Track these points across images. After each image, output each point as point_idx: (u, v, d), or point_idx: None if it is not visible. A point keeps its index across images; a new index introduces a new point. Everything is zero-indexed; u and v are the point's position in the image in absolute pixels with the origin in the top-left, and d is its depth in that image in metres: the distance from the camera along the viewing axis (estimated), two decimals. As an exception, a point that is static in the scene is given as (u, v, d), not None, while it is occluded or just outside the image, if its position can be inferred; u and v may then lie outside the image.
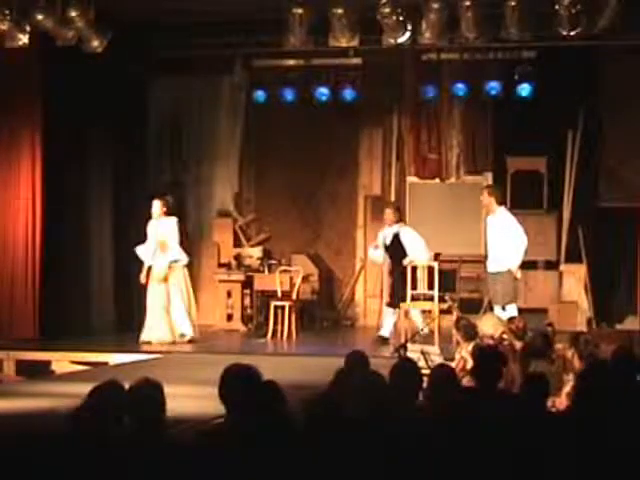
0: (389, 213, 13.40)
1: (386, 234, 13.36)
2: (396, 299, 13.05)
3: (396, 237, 13.19)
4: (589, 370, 6.12)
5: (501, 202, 12.29)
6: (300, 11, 11.91)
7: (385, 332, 13.19)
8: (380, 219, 14.23)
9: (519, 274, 12.01)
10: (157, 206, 13.20)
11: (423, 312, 13.11)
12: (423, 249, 13.08)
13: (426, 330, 12.49)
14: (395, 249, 13.17)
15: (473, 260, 14.53)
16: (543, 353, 8.07)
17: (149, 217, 13.26)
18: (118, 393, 4.87)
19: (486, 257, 12.42)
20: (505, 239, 11.92)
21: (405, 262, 12.90)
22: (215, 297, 15.35)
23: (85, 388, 4.93)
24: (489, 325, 8.82)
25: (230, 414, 4.94)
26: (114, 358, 11.96)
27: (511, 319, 9.22)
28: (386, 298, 13.64)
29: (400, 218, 13.53)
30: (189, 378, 9.92)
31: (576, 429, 5.12)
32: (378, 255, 13.59)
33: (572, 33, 11.51)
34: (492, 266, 12.09)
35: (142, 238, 13.28)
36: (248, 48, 14.17)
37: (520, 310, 11.77)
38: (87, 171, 14.19)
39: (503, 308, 11.70)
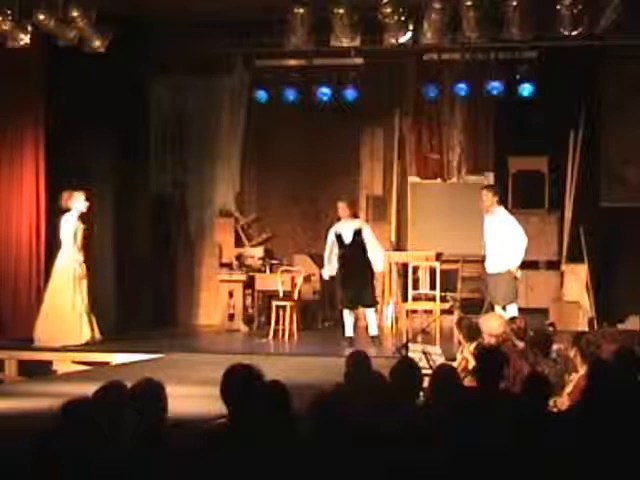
0: (343, 207, 12.84)
1: (341, 230, 12.79)
2: (349, 300, 12.81)
3: (357, 234, 12.73)
4: (591, 370, 6.13)
5: (500, 202, 12.26)
6: (301, 11, 11.91)
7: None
8: (382, 219, 14.21)
9: (519, 274, 11.99)
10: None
11: (425, 312, 13.10)
12: (382, 256, 12.82)
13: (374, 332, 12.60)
14: (357, 246, 12.69)
15: (475, 260, 14.48)
16: (544, 349, 8.09)
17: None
18: (120, 393, 4.87)
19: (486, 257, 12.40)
20: (504, 239, 11.90)
21: (379, 268, 12.75)
22: (216, 297, 15.34)
23: (87, 388, 4.93)
24: (496, 324, 8.80)
25: (232, 414, 4.94)
26: (116, 358, 11.96)
27: (512, 319, 9.21)
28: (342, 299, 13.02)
29: (355, 213, 13.17)
30: (191, 378, 9.93)
31: (577, 429, 5.12)
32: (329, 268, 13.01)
33: (573, 33, 11.52)
34: (492, 266, 12.07)
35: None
36: (249, 48, 14.14)
37: (521, 310, 11.76)
38: (88, 171, 14.17)
39: (504, 308, 11.69)
